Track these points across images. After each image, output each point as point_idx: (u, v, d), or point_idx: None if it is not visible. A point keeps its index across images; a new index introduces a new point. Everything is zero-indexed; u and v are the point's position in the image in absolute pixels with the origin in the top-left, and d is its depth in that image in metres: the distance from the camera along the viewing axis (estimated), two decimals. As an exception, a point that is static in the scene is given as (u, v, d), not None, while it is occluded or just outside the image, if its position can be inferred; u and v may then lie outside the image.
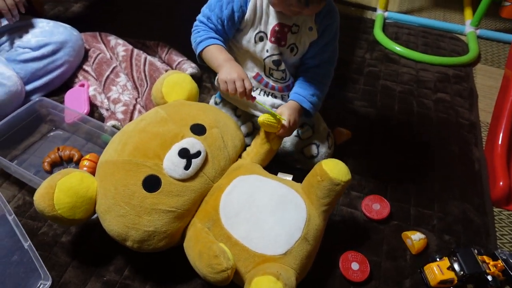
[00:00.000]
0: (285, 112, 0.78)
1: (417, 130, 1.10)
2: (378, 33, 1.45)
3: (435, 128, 1.11)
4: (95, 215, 0.69)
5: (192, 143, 0.69)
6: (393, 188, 0.94)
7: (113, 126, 0.95)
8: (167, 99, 0.82)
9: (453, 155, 1.04)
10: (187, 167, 0.67)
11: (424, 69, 1.32)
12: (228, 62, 0.76)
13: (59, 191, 0.64)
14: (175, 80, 0.83)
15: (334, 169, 0.69)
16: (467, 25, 1.54)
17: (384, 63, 1.33)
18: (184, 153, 0.68)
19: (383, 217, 0.86)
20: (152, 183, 0.65)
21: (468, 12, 1.63)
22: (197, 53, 0.82)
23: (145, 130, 0.72)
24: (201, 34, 0.81)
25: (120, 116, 0.98)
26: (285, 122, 0.77)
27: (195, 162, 0.68)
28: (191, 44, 0.83)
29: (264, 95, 0.90)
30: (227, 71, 0.74)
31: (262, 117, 0.74)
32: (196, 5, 0.86)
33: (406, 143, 1.06)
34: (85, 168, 0.85)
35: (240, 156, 0.80)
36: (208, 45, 0.79)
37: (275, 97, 0.90)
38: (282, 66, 0.84)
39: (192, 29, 0.84)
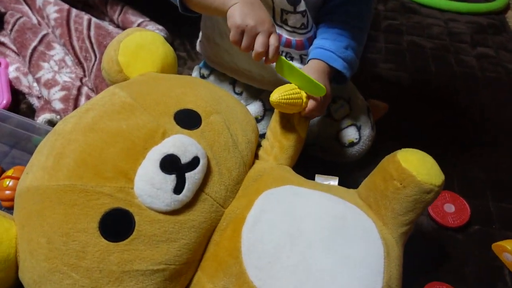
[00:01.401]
0: None
1: (465, 97, 0.91)
2: (388, -21, 1.20)
3: (485, 92, 0.92)
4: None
5: (183, 144, 0.42)
6: (460, 178, 0.73)
7: (49, 123, 0.72)
8: (127, 74, 0.53)
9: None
10: (178, 188, 0.40)
11: (453, 20, 1.14)
12: None
13: None
14: (138, 41, 0.54)
15: (422, 168, 0.45)
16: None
17: (404, 15, 1.13)
18: (171, 164, 0.40)
19: (462, 223, 0.62)
20: (117, 225, 0.39)
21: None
22: None
23: (95, 128, 0.42)
24: None
25: (58, 105, 0.73)
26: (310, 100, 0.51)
27: (192, 178, 0.41)
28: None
29: None
30: (246, 12, 0.46)
31: (275, 95, 0.48)
32: None
33: (455, 115, 0.86)
34: (7, 192, 0.62)
35: (256, 156, 0.52)
36: None
37: (292, 58, 0.62)
38: (302, 6, 0.55)
39: None
